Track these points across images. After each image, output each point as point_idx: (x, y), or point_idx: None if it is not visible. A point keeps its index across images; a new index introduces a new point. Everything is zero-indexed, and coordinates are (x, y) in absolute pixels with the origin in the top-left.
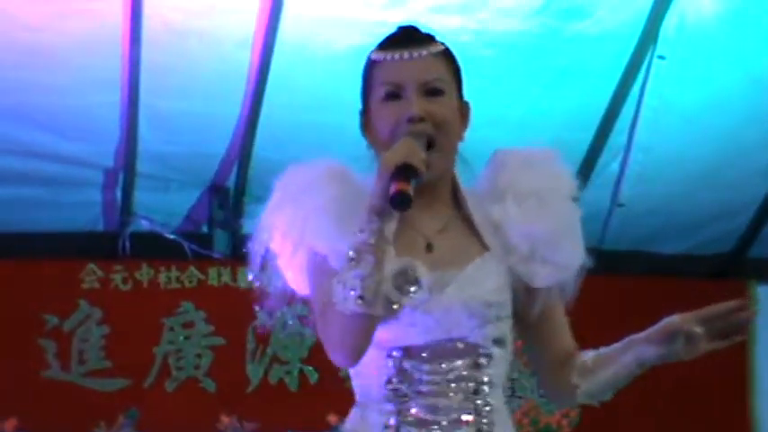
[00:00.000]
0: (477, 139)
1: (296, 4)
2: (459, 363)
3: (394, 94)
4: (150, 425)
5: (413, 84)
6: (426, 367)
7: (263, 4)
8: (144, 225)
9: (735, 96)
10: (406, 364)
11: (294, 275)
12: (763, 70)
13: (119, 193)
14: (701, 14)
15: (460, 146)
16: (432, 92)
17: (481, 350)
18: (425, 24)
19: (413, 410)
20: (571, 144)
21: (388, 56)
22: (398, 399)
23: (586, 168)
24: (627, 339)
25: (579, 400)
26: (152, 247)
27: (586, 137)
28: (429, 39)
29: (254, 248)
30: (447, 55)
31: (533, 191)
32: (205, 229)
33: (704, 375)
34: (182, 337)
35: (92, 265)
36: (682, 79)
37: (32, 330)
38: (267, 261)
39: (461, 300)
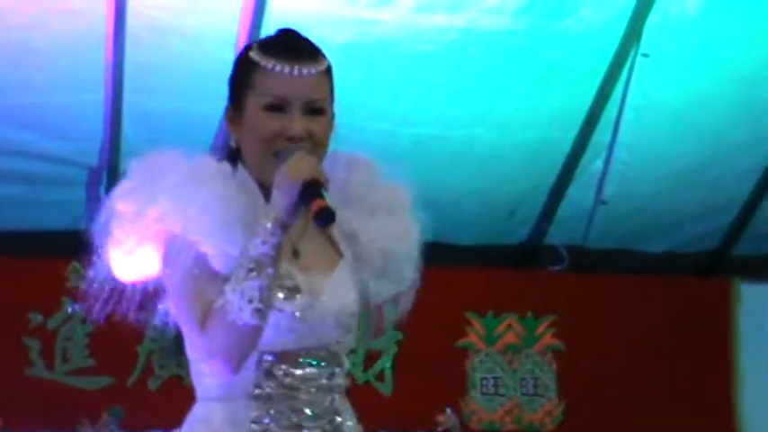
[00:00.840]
0: (462, 136)
1: (280, 2)
2: (321, 371)
3: (277, 107)
4: (134, 423)
5: (298, 102)
6: (295, 372)
7: (246, 3)
8: None
9: (719, 94)
10: (277, 370)
11: (131, 265)
12: (747, 68)
13: (103, 192)
14: (685, 12)
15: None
16: (314, 111)
17: (338, 359)
18: (412, 24)
19: (280, 414)
20: (555, 142)
21: (277, 67)
22: (265, 401)
23: (570, 166)
24: None
25: None
26: None
27: (570, 135)
28: (316, 53)
29: (99, 231)
30: (329, 71)
31: (383, 203)
32: None
33: (688, 373)
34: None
35: (76, 264)
36: (665, 77)
37: (16, 329)
38: (104, 246)
39: (333, 308)
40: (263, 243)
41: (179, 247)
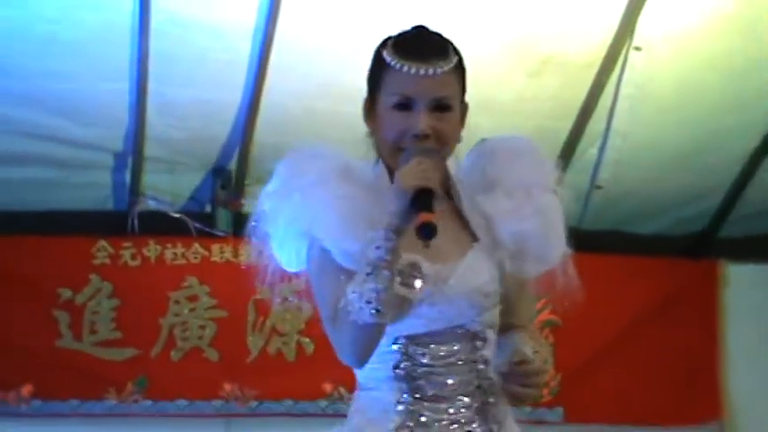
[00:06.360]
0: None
1: None
2: (459, 347)
3: (404, 105)
4: (157, 391)
5: (424, 99)
6: (430, 351)
7: None
8: (151, 205)
9: (707, 86)
10: (411, 349)
11: (289, 257)
12: (737, 60)
13: (128, 175)
14: (676, 8)
15: None
16: (441, 108)
17: (479, 335)
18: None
19: (422, 388)
20: (553, 131)
21: (405, 66)
22: (407, 379)
23: (567, 153)
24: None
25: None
26: (159, 226)
27: (567, 124)
28: (445, 51)
29: (254, 228)
30: (458, 67)
31: (521, 184)
32: (208, 208)
33: (678, 348)
34: (186, 310)
35: (103, 242)
36: (657, 70)
37: (47, 303)
38: (264, 241)
39: (463, 292)
40: (378, 248)
41: (310, 245)
